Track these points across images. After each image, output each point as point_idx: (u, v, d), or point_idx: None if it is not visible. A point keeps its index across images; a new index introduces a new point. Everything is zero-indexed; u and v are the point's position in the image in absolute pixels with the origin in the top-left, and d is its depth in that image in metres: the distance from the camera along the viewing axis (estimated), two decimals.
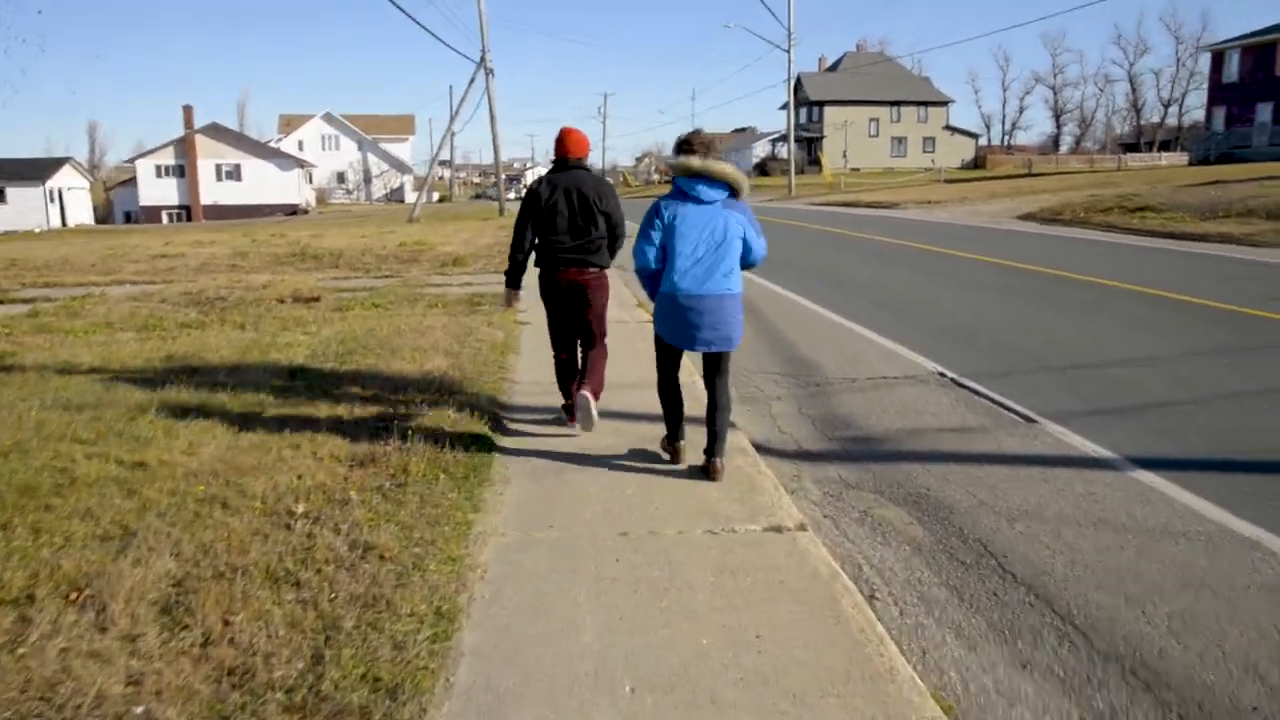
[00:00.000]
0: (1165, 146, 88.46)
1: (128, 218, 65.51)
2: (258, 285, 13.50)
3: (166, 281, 14.68)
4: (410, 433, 5.58)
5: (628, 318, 10.44)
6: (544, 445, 5.71)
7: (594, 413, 5.68)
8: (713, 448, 5.12)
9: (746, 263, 5.12)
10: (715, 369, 5.26)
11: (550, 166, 5.97)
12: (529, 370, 7.72)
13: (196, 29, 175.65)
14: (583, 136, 5.92)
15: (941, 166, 70.75)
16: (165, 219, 63.00)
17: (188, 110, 62.87)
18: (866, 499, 5.21)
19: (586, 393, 5.68)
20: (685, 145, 5.00)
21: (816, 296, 12.21)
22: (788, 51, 49.09)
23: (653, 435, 5.88)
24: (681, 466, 5.33)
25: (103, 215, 67.66)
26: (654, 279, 5.10)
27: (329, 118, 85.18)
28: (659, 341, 5.32)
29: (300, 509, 4.33)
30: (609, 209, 5.83)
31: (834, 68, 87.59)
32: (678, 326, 5.04)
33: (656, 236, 4.96)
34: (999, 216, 27.44)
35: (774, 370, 8.33)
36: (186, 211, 63.56)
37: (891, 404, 7.07)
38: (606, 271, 6.06)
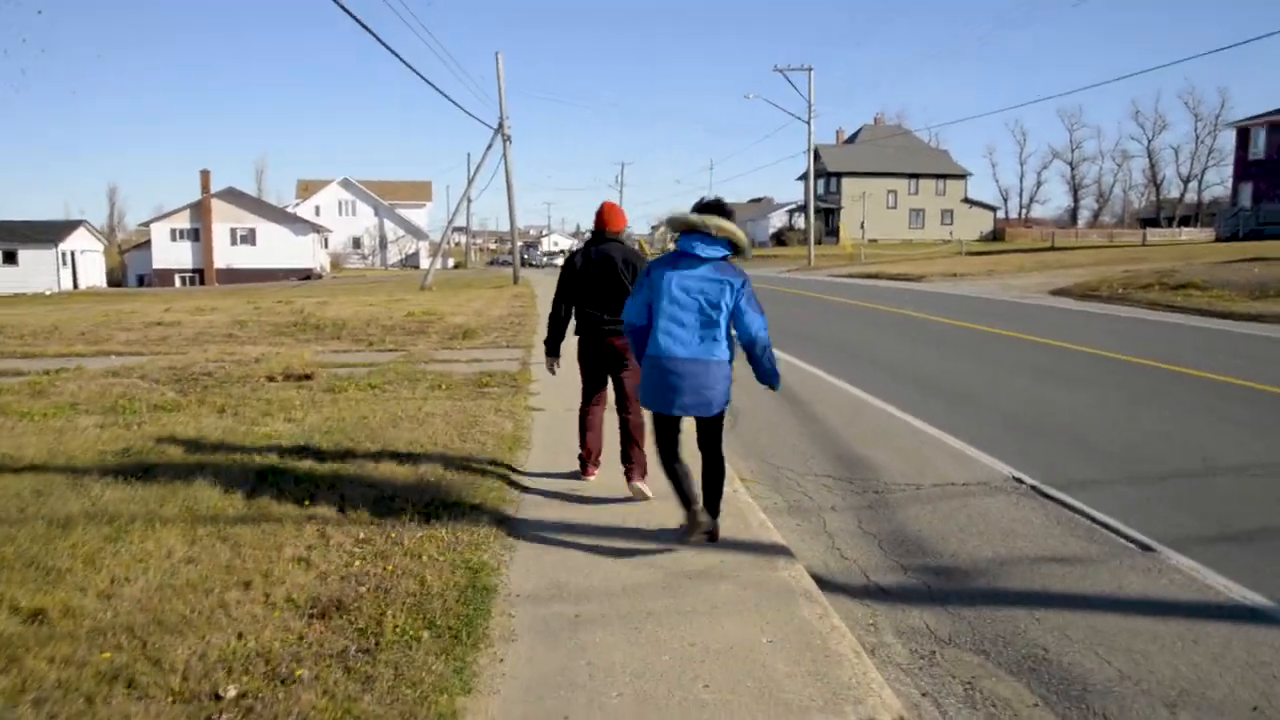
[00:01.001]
0: (1185, 221, 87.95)
1: (141, 281, 65.26)
2: (250, 359, 12.52)
3: (155, 353, 13.73)
4: (391, 565, 4.49)
5: None
6: (558, 574, 4.60)
7: (647, 492, 5.90)
8: (711, 508, 5.07)
9: (746, 339, 4.86)
10: (705, 433, 5.11)
11: (587, 238, 6.33)
12: (541, 466, 6.65)
13: (216, 94, 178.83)
14: (619, 210, 6.26)
15: (961, 238, 70.20)
16: (179, 282, 62.67)
17: (205, 174, 62.97)
18: (969, 664, 4.06)
19: (641, 486, 5.91)
20: (706, 208, 4.91)
21: (858, 379, 11.13)
22: (808, 123, 48.80)
23: (684, 565, 4.77)
24: (728, 591, 4.27)
25: (116, 278, 67.47)
26: (638, 335, 5.00)
27: (346, 183, 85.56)
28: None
29: (230, 692, 3.22)
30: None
31: (852, 139, 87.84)
32: (657, 389, 4.85)
33: (642, 295, 4.92)
34: (1031, 291, 26.45)
35: (823, 472, 7.22)
36: (200, 275, 63.26)
37: (969, 520, 5.94)
38: None
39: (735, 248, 4.86)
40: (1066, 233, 77.71)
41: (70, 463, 6.48)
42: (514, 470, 6.57)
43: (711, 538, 5.04)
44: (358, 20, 17.59)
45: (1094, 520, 5.84)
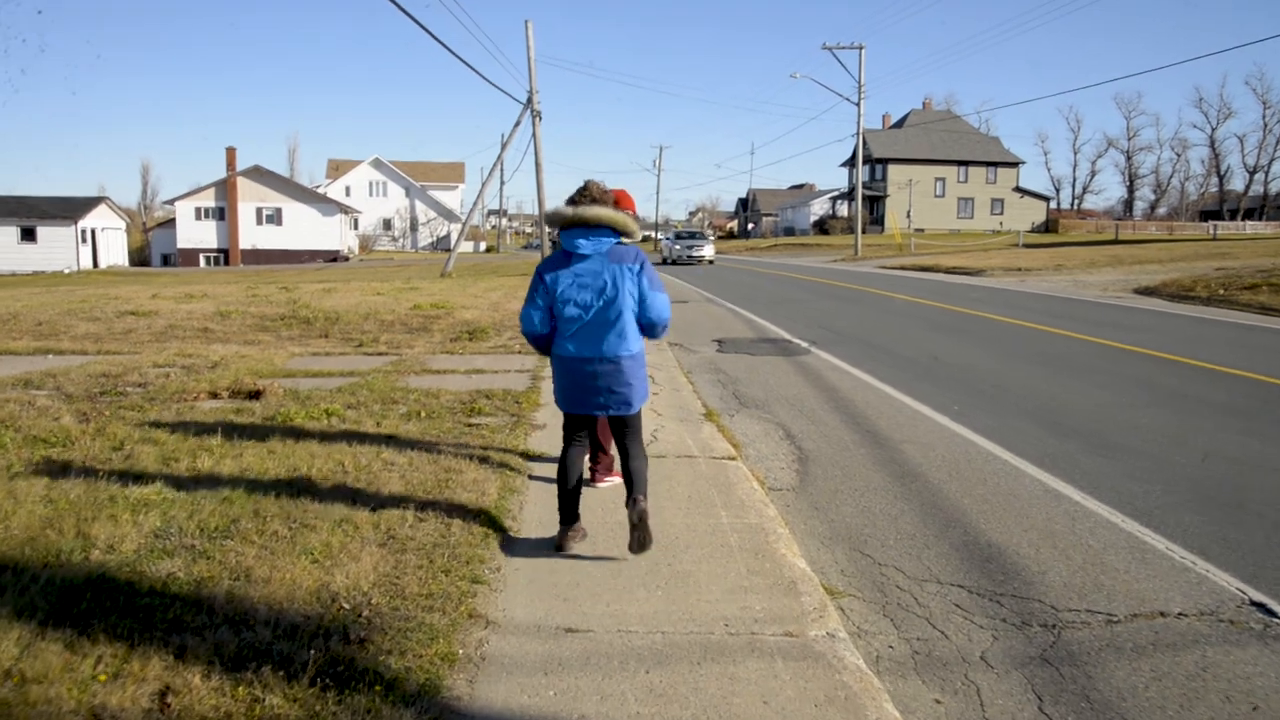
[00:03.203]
0: (1249, 214, 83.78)
1: (165, 260, 63.84)
2: (207, 364, 10.35)
3: (104, 352, 11.61)
4: None
5: (694, 447, 7.02)
6: None
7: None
8: (632, 490, 4.59)
9: (645, 323, 4.63)
10: (622, 429, 4.71)
11: None
12: (529, 570, 4.34)
13: (251, 71, 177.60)
14: (628, 197, 5.42)
15: (1012, 229, 66.99)
16: (203, 262, 61.18)
17: (230, 152, 61.26)
18: None
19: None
20: (574, 198, 4.65)
21: (954, 407, 8.70)
22: (857, 104, 46.04)
23: None
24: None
25: (142, 257, 66.10)
26: (541, 341, 4.74)
27: (377, 163, 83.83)
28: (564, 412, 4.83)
29: None
30: None
31: (899, 125, 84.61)
32: (574, 391, 4.62)
33: (541, 301, 4.62)
34: (1112, 290, 23.71)
35: (950, 576, 4.85)
36: (225, 255, 61.71)
37: (1230, 708, 3.54)
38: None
39: (621, 235, 4.57)
40: (1123, 225, 74.08)
41: None
42: (483, 583, 4.25)
43: (636, 529, 4.51)
44: None
45: None
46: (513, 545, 4.80)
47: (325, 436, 6.74)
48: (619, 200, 5.27)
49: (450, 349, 12.01)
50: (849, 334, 14.77)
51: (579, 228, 4.50)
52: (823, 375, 10.88)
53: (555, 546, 4.70)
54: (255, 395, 8.37)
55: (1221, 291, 20.74)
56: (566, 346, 4.55)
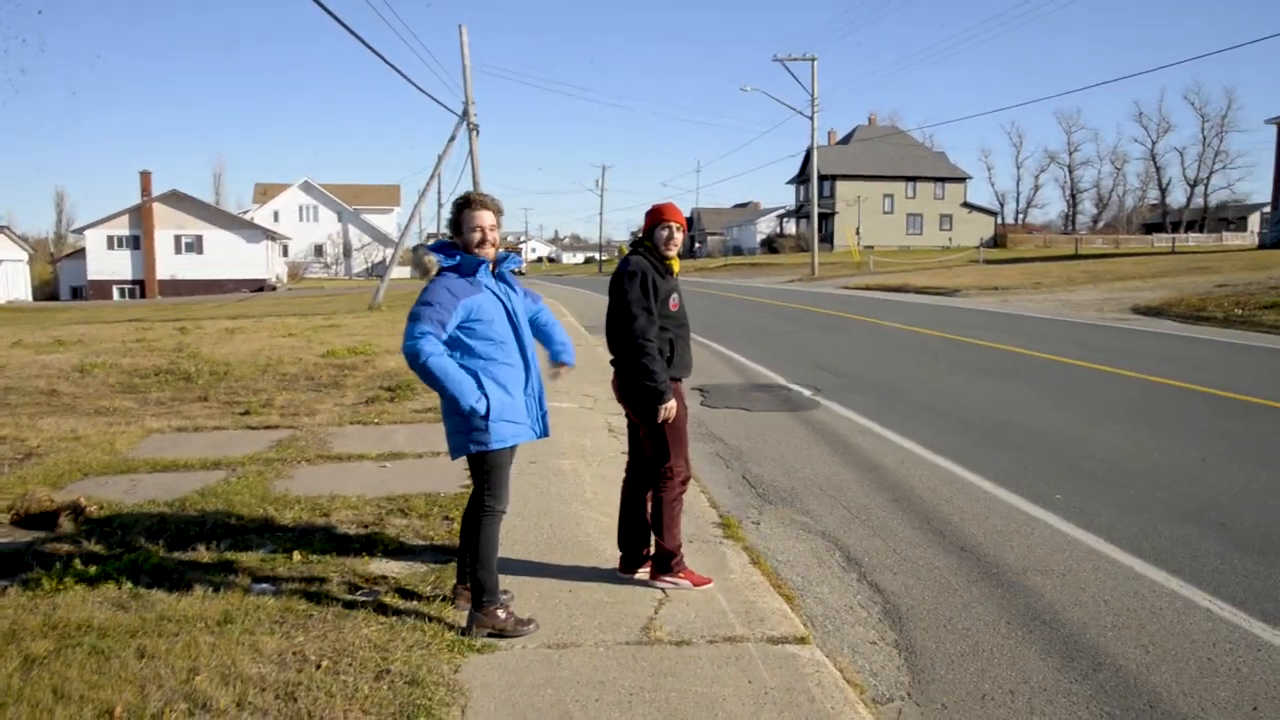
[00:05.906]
0: (1190, 226, 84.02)
1: (76, 293, 59.42)
2: (17, 454, 7.50)
3: None
4: None
5: (729, 610, 4.41)
6: None
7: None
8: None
9: None
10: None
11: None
12: None
13: (167, 91, 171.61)
14: (653, 207, 4.74)
15: (961, 244, 65.77)
16: (116, 294, 56.94)
17: (145, 176, 57.18)
18: None
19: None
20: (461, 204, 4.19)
21: (1075, 508, 6.20)
22: (811, 117, 44.09)
23: None
24: None
25: (48, 291, 61.52)
26: None
27: (308, 187, 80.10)
28: None
29: None
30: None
31: (845, 140, 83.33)
32: None
33: None
34: (1109, 310, 21.69)
35: None
36: (140, 286, 57.56)
37: None
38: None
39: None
40: (1069, 239, 73.55)
41: None
42: None
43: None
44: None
45: None
46: None
47: (107, 633, 3.95)
48: (663, 213, 4.66)
49: (363, 416, 9.22)
50: (855, 376, 12.28)
51: None
52: (851, 442, 8.35)
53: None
54: (44, 522, 5.54)
55: (1239, 311, 18.77)
56: None
